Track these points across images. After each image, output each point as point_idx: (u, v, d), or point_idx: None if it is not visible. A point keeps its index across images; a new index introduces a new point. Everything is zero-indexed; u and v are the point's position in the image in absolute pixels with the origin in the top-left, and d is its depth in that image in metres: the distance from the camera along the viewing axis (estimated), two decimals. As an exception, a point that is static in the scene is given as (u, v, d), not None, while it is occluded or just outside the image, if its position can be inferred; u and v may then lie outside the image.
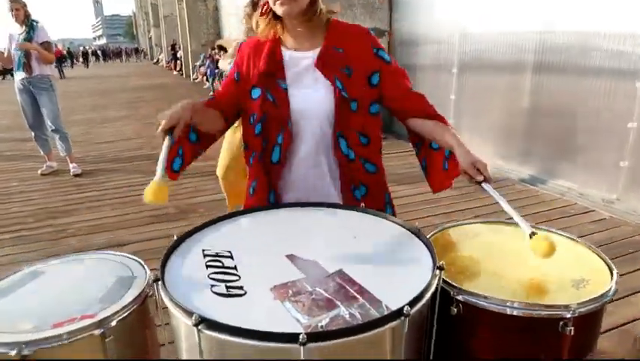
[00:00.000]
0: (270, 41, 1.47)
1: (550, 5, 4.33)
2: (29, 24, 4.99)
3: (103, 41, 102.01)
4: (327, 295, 0.95)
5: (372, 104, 1.46)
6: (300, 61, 1.45)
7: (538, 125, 4.66)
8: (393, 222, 1.29)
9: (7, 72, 22.23)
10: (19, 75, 5.01)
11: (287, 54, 1.46)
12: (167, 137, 1.24)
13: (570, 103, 4.23)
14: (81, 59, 44.92)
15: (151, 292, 1.22)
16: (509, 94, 4.93)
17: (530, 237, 1.11)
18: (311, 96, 1.43)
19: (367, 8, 6.73)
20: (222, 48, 14.65)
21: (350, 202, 1.49)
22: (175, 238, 1.21)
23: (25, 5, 5.01)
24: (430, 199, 3.93)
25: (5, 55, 5.08)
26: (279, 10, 1.37)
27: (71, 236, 3.56)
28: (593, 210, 3.80)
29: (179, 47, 21.95)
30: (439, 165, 1.50)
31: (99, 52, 59.06)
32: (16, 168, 5.74)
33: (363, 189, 1.50)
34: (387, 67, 1.46)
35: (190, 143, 1.48)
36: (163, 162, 1.19)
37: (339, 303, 0.92)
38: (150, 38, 43.45)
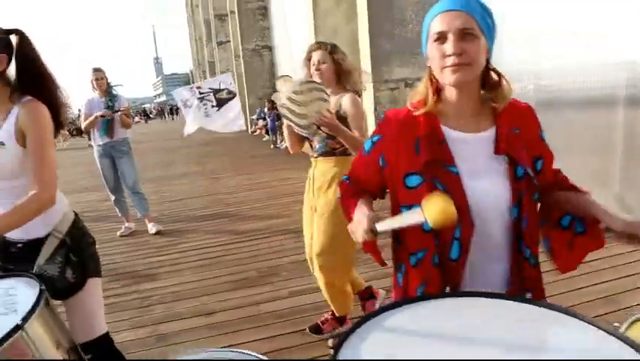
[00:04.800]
0: (425, 117, 1.25)
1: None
2: (110, 91, 5.27)
3: (163, 98, 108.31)
4: None
5: (535, 192, 1.26)
6: (468, 143, 1.24)
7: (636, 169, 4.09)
8: (582, 320, 1.05)
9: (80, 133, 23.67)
10: (102, 140, 5.23)
11: (449, 133, 1.24)
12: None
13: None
14: (137, 118, 47.86)
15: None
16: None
17: None
18: (492, 182, 1.22)
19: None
20: (273, 103, 15.09)
21: None
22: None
23: (105, 74, 5.31)
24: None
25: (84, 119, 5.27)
26: (449, 78, 1.16)
27: (157, 304, 3.53)
28: None
29: (238, 102, 22.83)
30: (564, 246, 1.33)
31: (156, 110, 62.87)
32: (97, 229, 5.92)
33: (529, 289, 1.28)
34: (547, 151, 1.31)
35: None
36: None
37: None
38: (208, 94, 45.43)
